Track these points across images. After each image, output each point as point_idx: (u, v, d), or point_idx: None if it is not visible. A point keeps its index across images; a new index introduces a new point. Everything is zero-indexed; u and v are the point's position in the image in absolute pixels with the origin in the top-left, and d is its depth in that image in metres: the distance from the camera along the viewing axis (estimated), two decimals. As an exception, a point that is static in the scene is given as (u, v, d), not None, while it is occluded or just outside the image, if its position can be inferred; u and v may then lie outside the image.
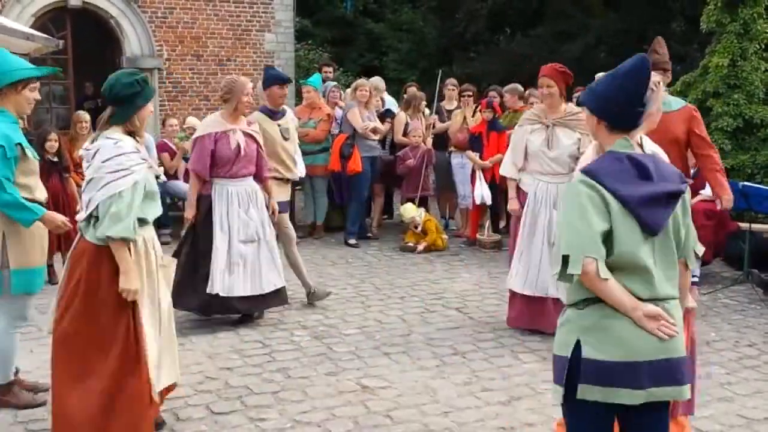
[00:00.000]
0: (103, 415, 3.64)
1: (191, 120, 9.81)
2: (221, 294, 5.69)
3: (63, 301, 3.73)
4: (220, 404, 4.42)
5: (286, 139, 6.53)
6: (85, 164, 3.76)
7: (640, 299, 2.57)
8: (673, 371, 2.59)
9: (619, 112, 2.69)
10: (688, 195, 2.73)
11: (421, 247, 8.62)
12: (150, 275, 3.80)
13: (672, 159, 5.06)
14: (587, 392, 2.56)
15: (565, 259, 2.55)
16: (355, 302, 6.54)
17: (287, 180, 6.65)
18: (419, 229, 8.75)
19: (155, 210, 3.81)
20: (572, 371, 2.60)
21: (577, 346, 2.60)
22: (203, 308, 5.82)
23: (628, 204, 2.55)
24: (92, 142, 3.77)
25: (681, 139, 5.47)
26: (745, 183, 7.39)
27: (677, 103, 5.59)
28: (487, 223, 9.05)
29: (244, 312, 5.90)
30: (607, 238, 2.55)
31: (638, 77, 2.67)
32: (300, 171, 8.80)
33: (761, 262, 7.51)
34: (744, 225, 7.46)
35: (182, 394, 4.52)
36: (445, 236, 8.96)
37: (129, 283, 3.62)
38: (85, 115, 8.93)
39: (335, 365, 5.06)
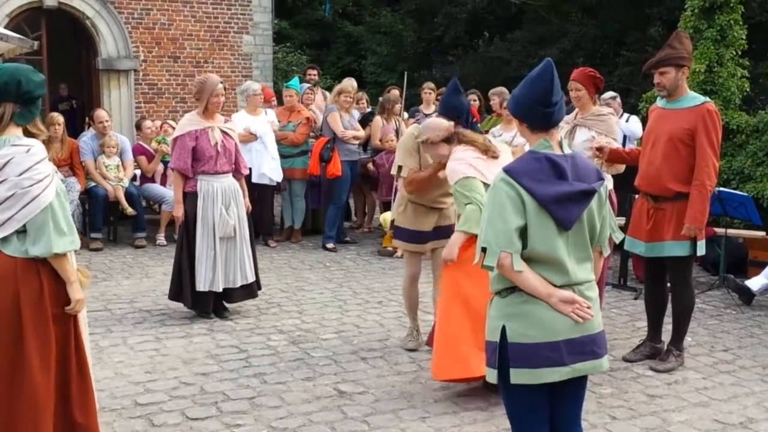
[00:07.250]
0: None
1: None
2: (204, 290, 5.94)
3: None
4: (195, 410, 4.37)
5: None
6: None
7: (555, 285, 2.80)
8: (591, 346, 2.85)
9: (531, 113, 2.88)
10: (604, 190, 2.93)
11: (399, 252, 8.58)
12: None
13: (672, 160, 4.94)
14: (518, 376, 2.80)
15: (484, 251, 2.79)
16: (333, 307, 6.50)
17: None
18: None
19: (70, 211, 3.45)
20: (502, 355, 2.83)
21: (503, 331, 2.83)
22: (194, 304, 6.04)
23: (542, 202, 2.76)
24: None
25: (684, 139, 4.93)
26: (721, 188, 7.43)
27: (693, 100, 5.05)
28: (466, 227, 9.01)
29: (218, 308, 6.14)
30: (524, 232, 2.78)
31: (542, 81, 2.85)
32: (277, 176, 8.81)
33: (737, 267, 7.57)
34: (720, 230, 7.50)
35: (157, 400, 4.48)
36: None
37: (78, 293, 3.36)
38: (60, 117, 8.85)
39: (312, 370, 5.03)
